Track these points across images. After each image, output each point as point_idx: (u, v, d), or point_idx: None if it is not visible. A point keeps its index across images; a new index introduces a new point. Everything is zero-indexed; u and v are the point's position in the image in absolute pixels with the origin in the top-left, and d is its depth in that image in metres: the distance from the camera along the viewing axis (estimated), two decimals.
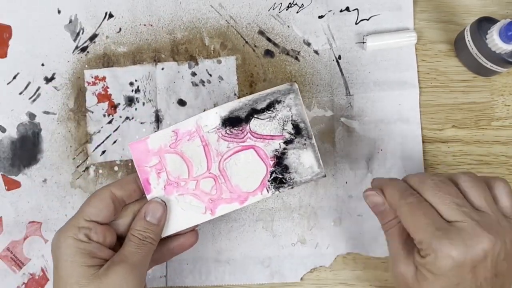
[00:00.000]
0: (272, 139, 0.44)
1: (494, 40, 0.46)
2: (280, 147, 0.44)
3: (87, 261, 0.40)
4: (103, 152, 0.53)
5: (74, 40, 0.54)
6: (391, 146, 0.51)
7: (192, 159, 0.44)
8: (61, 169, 0.53)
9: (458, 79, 0.51)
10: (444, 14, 0.52)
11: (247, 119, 0.44)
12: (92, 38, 0.54)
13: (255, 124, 0.44)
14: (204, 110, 0.52)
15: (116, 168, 0.53)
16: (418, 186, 0.41)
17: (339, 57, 0.52)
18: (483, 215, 0.38)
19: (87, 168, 0.53)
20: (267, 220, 0.51)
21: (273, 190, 0.44)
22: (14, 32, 0.54)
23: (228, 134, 0.44)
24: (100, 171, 0.53)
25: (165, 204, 0.44)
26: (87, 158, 0.53)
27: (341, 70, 0.52)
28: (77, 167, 0.53)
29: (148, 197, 0.44)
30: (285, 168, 0.44)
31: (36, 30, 0.54)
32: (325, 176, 0.44)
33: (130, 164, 0.52)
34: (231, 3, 0.53)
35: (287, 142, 0.44)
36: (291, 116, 0.44)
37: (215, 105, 0.52)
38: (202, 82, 0.53)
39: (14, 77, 0.54)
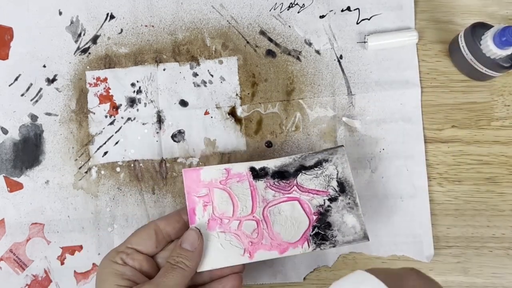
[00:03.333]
0: (317, 194, 0.46)
1: (489, 45, 0.46)
2: (324, 203, 0.46)
3: (118, 281, 0.42)
4: (105, 153, 0.53)
5: (76, 42, 0.54)
6: (393, 145, 0.51)
7: (238, 200, 0.46)
8: (63, 171, 0.53)
9: (458, 79, 0.52)
10: (444, 14, 0.52)
11: (295, 174, 0.46)
12: (94, 39, 0.54)
13: (302, 178, 0.46)
14: (207, 111, 0.52)
15: (118, 169, 0.53)
16: None
17: (341, 57, 0.52)
18: None
19: (89, 169, 0.53)
20: None
21: (314, 246, 0.45)
22: (15, 34, 0.54)
23: (276, 185, 0.46)
24: (102, 172, 0.53)
25: (201, 232, 0.44)
26: (89, 159, 0.53)
27: (342, 70, 0.52)
28: (79, 168, 0.53)
29: (191, 227, 0.45)
30: (328, 225, 0.45)
31: (37, 32, 0.54)
32: (368, 239, 0.45)
33: (132, 165, 0.52)
34: (232, 3, 0.53)
35: (332, 199, 0.46)
36: (337, 173, 0.46)
37: (217, 106, 0.52)
38: (204, 82, 0.53)
39: (16, 79, 0.53)
